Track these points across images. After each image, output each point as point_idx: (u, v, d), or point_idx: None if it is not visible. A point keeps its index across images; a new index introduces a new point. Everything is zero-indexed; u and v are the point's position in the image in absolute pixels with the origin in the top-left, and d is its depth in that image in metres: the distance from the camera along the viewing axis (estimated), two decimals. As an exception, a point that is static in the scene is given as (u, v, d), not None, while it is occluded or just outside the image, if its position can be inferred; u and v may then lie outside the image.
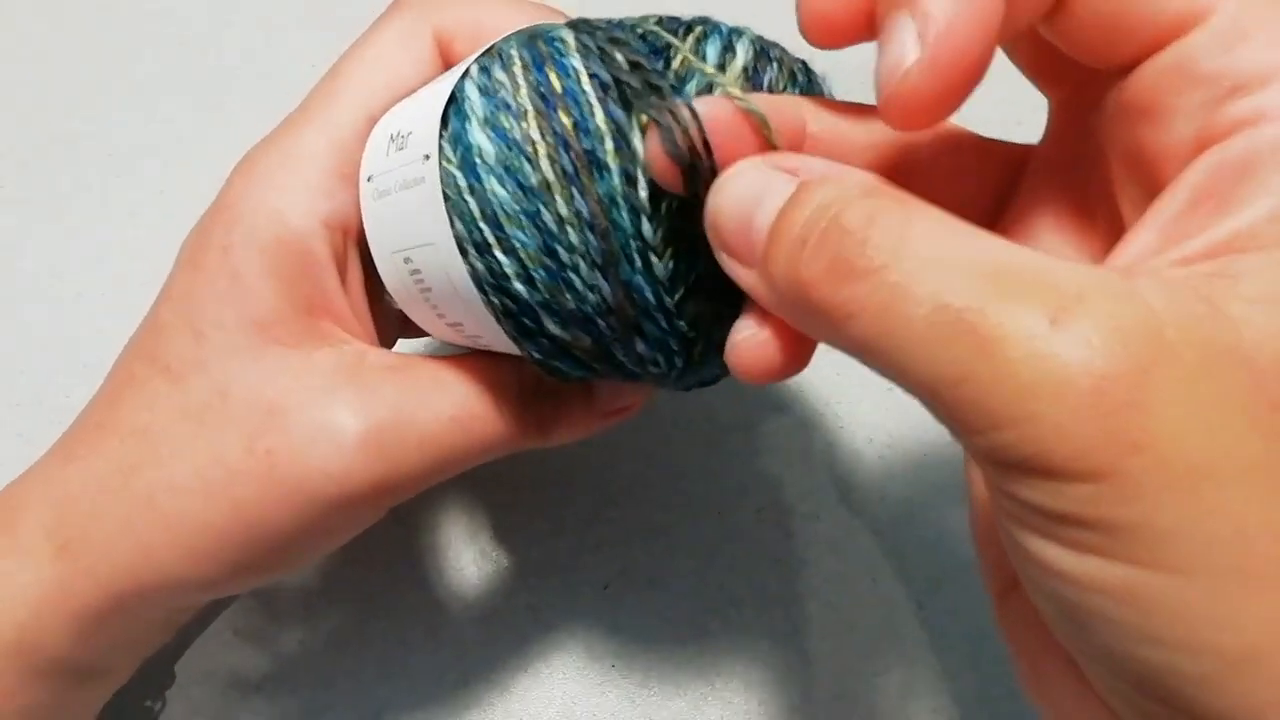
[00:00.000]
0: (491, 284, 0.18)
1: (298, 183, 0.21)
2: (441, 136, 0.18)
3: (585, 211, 0.17)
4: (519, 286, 0.18)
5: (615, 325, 0.18)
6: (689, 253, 0.18)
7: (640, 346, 0.19)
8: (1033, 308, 0.12)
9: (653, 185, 0.17)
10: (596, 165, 0.17)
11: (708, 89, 0.18)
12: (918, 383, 0.13)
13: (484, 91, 0.18)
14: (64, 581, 0.20)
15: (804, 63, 0.20)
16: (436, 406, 0.20)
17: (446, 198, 0.18)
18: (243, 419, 0.20)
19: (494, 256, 0.18)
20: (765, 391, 0.32)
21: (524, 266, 0.18)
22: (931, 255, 0.13)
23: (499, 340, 0.20)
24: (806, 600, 0.29)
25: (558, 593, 0.29)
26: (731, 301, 0.18)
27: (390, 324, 0.24)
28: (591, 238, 0.18)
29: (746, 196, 0.15)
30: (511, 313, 0.19)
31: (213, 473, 0.20)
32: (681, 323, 0.18)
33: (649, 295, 0.18)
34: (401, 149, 0.19)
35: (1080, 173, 0.17)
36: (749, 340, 0.17)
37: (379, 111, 0.21)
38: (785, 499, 0.28)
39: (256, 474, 0.19)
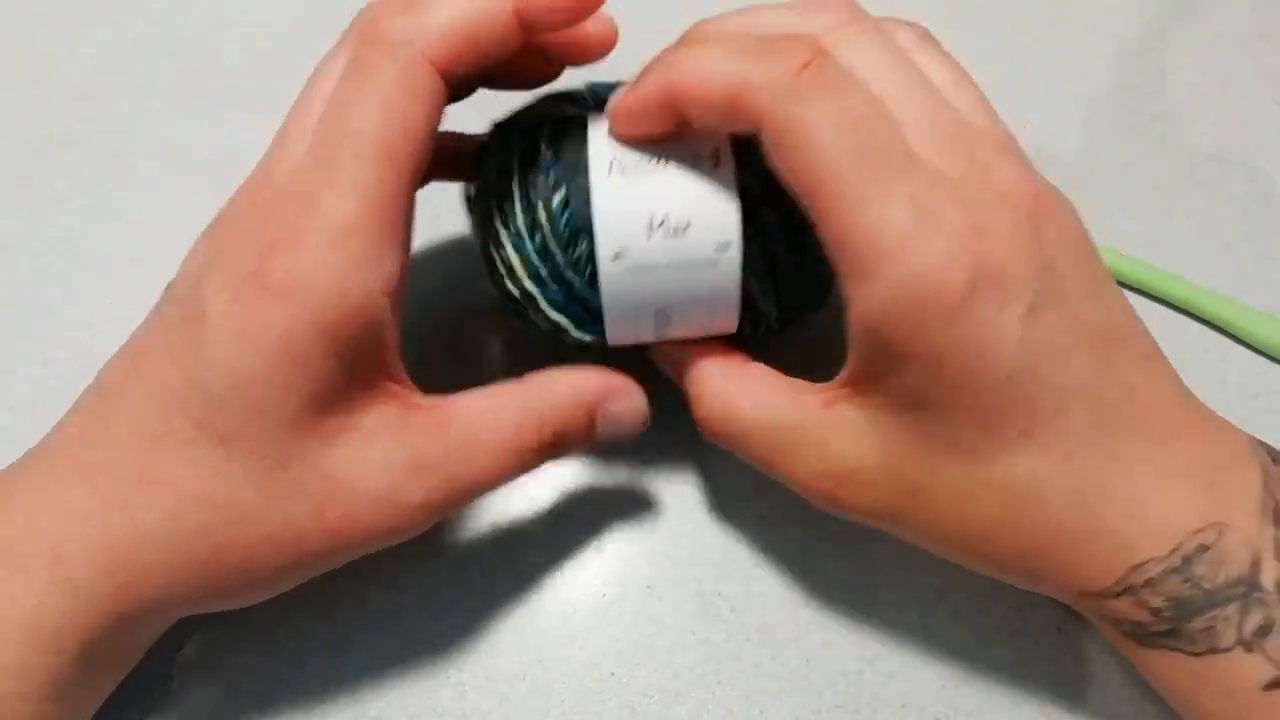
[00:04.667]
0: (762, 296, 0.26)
1: (349, 259, 0.21)
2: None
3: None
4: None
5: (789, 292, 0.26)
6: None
7: (766, 301, 0.26)
8: (802, 458, 0.24)
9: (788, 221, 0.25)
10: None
11: None
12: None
13: None
14: (123, 613, 0.22)
15: None
16: (477, 460, 0.24)
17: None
18: (307, 488, 0.22)
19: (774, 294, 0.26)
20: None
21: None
22: (756, 420, 0.25)
23: (701, 308, 0.25)
24: (808, 607, 0.29)
25: (555, 599, 0.29)
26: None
27: None
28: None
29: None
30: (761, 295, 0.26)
31: (284, 535, 0.22)
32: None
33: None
34: (676, 236, 0.24)
35: None
36: None
37: (401, 160, 0.22)
38: (787, 504, 0.28)
39: (329, 536, 0.22)
